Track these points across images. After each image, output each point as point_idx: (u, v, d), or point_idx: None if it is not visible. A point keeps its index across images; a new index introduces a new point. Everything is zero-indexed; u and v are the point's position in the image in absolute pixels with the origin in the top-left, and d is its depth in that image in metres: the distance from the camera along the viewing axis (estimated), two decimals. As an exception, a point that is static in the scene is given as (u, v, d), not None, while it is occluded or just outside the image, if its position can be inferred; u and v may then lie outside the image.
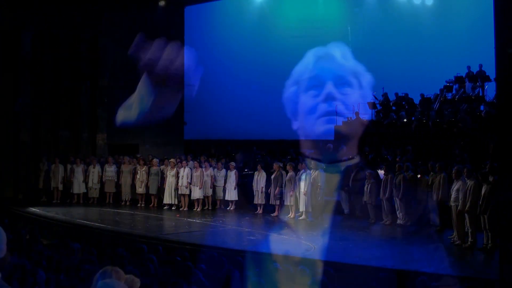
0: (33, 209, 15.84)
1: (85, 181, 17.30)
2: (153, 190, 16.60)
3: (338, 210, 14.42)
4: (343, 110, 19.61)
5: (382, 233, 12.71)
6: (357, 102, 19.61)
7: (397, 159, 14.94)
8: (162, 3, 20.56)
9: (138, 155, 17.88)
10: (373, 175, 13.73)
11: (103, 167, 17.32)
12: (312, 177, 14.08)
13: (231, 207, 15.88)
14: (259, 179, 15.12)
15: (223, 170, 15.98)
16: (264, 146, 19.83)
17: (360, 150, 14.59)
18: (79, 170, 17.25)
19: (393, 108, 19.11)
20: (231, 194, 15.81)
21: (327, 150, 16.67)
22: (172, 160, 16.50)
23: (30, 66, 18.62)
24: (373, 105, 19.44)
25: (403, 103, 19.01)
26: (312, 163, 14.50)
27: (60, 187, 17.45)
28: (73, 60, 19.19)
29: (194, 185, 15.88)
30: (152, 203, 16.73)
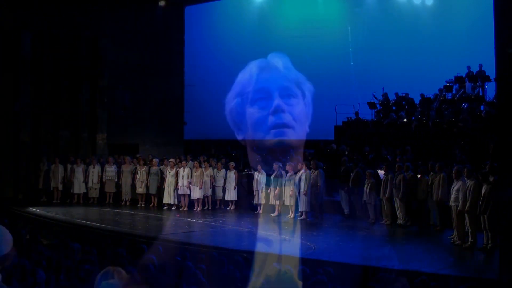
0: (33, 209, 15.84)
1: (85, 181, 17.31)
2: (153, 190, 16.60)
3: (338, 210, 14.42)
4: (342, 110, 19.70)
5: (382, 233, 12.71)
6: (357, 102, 19.67)
7: (397, 159, 14.94)
8: (162, 3, 20.55)
9: (138, 155, 17.88)
10: (373, 175, 13.73)
11: (103, 167, 17.32)
12: (312, 177, 14.08)
13: (231, 207, 15.89)
14: (259, 179, 15.12)
15: (223, 170, 15.98)
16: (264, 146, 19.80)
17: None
18: (79, 170, 17.25)
19: (393, 108, 19.11)
20: (231, 194, 15.82)
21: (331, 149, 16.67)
22: (172, 160, 16.50)
23: (30, 66, 18.61)
24: (373, 105, 19.45)
25: (403, 103, 19.01)
26: (312, 163, 14.50)
27: (60, 187, 17.45)
28: (73, 60, 19.18)
29: (194, 185, 15.88)
30: (152, 203, 16.73)
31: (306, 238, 11.71)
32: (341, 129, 19.61)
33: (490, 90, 17.72)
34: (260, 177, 15.12)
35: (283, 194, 14.56)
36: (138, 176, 16.72)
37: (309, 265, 7.55)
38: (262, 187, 15.04)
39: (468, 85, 18.08)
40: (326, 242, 11.48)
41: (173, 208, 16.06)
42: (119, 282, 3.49)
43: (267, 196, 14.89)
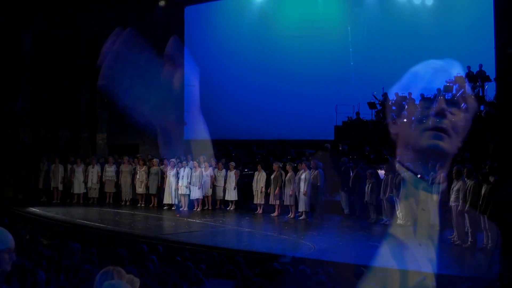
0: (33, 209, 15.84)
1: (85, 181, 17.31)
2: (153, 190, 16.60)
3: (338, 210, 14.42)
4: (342, 110, 19.70)
5: (382, 233, 12.69)
6: (357, 102, 19.67)
7: (397, 159, 14.93)
8: (162, 3, 20.54)
9: (138, 155, 17.88)
10: (373, 175, 13.73)
11: (103, 167, 17.32)
12: (312, 177, 14.08)
13: (231, 207, 15.89)
14: (259, 179, 15.12)
15: (223, 170, 15.98)
16: (264, 146, 19.83)
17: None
18: (79, 170, 17.25)
19: (393, 108, 19.08)
20: (231, 194, 15.82)
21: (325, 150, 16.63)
22: (172, 160, 16.50)
23: (30, 66, 18.61)
24: (373, 105, 19.45)
25: (403, 103, 18.99)
26: (312, 163, 14.51)
27: (60, 187, 17.45)
28: (73, 60, 19.18)
29: (193, 185, 15.87)
30: (152, 203, 16.73)
31: (306, 238, 11.71)
32: (341, 129, 19.61)
33: (490, 90, 17.71)
34: (260, 177, 15.13)
35: (283, 194, 14.57)
36: (138, 176, 16.72)
37: (309, 265, 7.56)
38: (262, 187, 15.04)
39: (468, 85, 18.07)
40: (326, 242, 11.48)
41: (173, 208, 16.05)
42: (122, 282, 3.48)
43: (267, 196, 14.87)
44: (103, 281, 3.50)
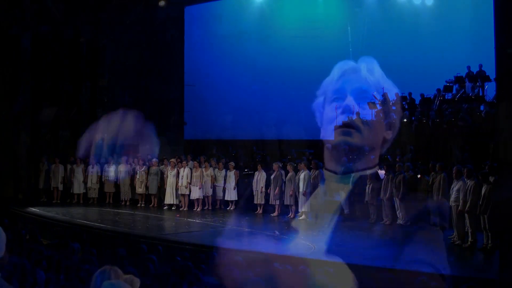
0: (33, 209, 15.84)
1: (85, 181, 17.31)
2: (152, 190, 16.60)
3: (338, 210, 14.41)
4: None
5: (382, 233, 12.70)
6: (357, 102, 19.65)
7: (397, 159, 14.93)
8: (162, 3, 20.54)
9: (138, 155, 17.87)
10: (374, 175, 13.74)
11: (103, 167, 17.33)
12: (312, 177, 14.08)
13: (231, 207, 15.88)
14: (259, 179, 15.12)
15: (223, 170, 15.98)
16: (264, 146, 19.83)
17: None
18: (79, 170, 17.26)
19: (393, 108, 19.08)
20: (231, 194, 15.82)
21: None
22: (172, 160, 16.51)
23: (30, 66, 18.59)
24: (373, 105, 19.42)
25: (404, 103, 19.00)
26: (312, 163, 14.50)
27: (60, 187, 17.46)
28: (73, 60, 19.18)
29: (194, 185, 15.88)
30: (152, 203, 16.73)
31: (306, 238, 11.71)
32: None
33: (490, 90, 17.70)
34: (260, 177, 15.13)
35: (283, 194, 14.57)
36: (137, 176, 16.72)
37: (309, 265, 7.55)
38: (262, 187, 15.05)
39: (468, 85, 18.06)
40: (326, 242, 11.47)
41: (173, 208, 16.06)
42: (121, 282, 3.48)
43: (267, 196, 14.88)
44: (100, 280, 3.50)
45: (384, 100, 19.22)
